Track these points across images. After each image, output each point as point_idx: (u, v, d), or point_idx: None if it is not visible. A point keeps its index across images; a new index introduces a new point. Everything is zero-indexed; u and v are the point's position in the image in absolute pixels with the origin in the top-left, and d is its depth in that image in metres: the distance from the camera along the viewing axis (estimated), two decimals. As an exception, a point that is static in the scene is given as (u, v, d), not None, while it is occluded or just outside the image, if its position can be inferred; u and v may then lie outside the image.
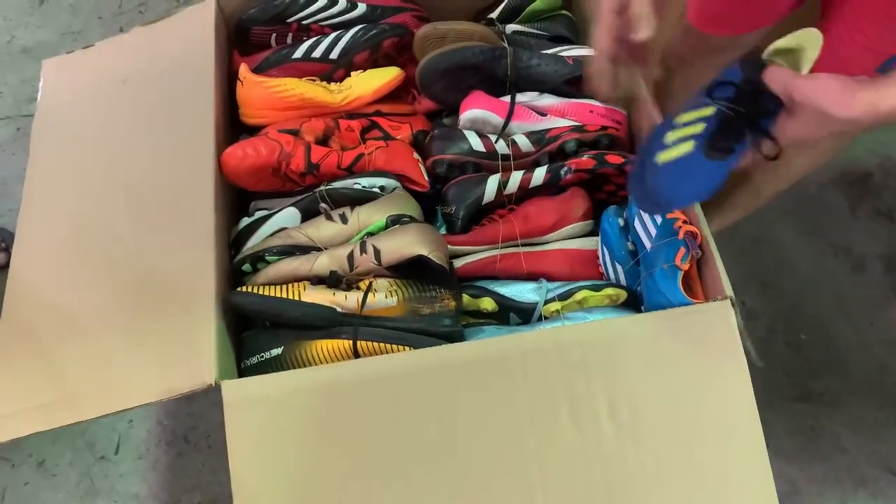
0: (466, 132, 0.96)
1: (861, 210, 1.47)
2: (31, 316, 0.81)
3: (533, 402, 0.71)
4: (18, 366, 0.77)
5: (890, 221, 1.47)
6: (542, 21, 1.08)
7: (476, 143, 0.95)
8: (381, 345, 0.76)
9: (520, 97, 1.00)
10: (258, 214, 0.91)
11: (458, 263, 0.92)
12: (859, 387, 1.26)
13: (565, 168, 0.93)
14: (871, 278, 1.40)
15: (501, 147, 0.95)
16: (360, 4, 1.05)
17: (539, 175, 0.93)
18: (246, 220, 0.90)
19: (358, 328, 0.77)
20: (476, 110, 0.97)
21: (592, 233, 0.97)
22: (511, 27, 1.05)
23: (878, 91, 0.55)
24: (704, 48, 1.10)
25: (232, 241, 0.90)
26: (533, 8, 1.06)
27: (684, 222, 0.81)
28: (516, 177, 0.94)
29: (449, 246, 0.91)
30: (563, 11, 1.10)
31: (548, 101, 1.00)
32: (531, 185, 0.94)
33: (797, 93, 0.58)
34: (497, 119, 0.98)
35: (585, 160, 0.92)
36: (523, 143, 0.96)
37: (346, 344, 0.76)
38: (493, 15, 1.07)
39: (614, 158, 0.92)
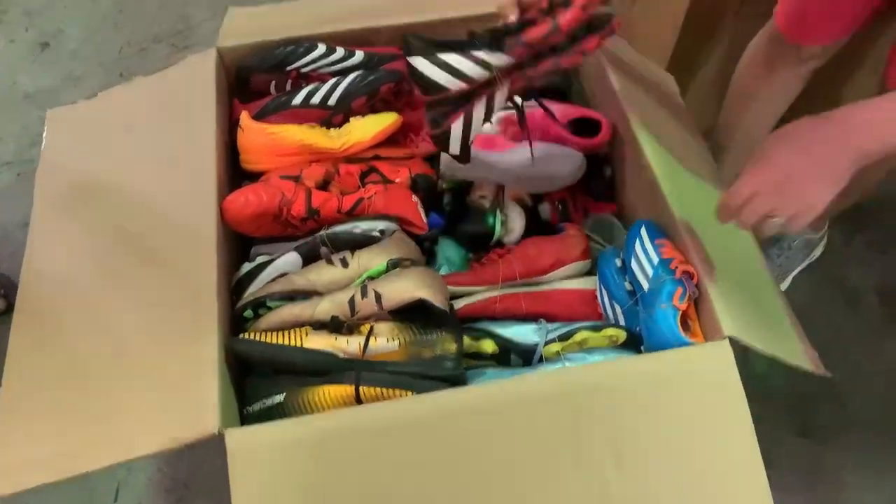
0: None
1: (854, 243, 1.49)
2: (36, 364, 0.81)
3: (537, 448, 0.71)
4: (24, 416, 0.77)
5: (882, 253, 1.48)
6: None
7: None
8: (384, 389, 0.76)
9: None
10: (259, 260, 0.92)
11: (458, 304, 0.92)
12: (859, 421, 1.26)
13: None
14: (866, 311, 1.41)
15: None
16: (357, 52, 1.07)
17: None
18: (247, 266, 0.91)
19: (360, 373, 0.77)
20: None
21: (591, 272, 0.99)
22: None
23: None
24: (796, 58, 1.15)
25: (233, 286, 0.90)
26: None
27: (681, 262, 0.82)
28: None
29: (449, 287, 0.92)
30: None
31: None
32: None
33: None
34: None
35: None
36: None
37: (349, 389, 0.77)
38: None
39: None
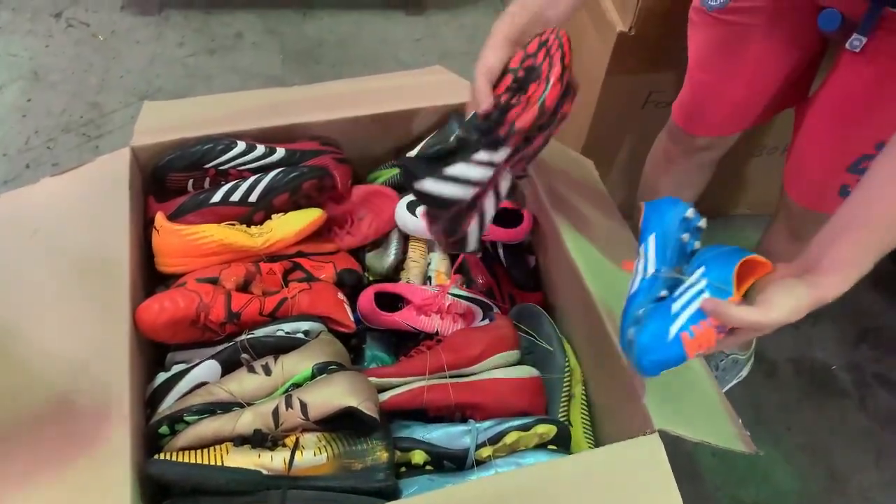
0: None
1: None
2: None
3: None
4: None
5: (793, 327, 1.55)
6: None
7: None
8: (311, 509, 0.73)
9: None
10: (175, 369, 0.87)
11: (384, 396, 0.89)
12: (785, 495, 1.29)
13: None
14: (784, 382, 1.46)
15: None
16: (278, 149, 1.06)
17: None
18: (163, 376, 0.86)
19: (286, 491, 0.73)
20: None
21: (520, 361, 0.98)
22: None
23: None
24: (689, 147, 1.20)
25: (148, 399, 0.85)
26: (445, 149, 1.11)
27: None
28: None
29: (375, 378, 0.89)
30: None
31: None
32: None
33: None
34: None
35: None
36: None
37: (274, 510, 0.72)
38: (412, 153, 1.11)
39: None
